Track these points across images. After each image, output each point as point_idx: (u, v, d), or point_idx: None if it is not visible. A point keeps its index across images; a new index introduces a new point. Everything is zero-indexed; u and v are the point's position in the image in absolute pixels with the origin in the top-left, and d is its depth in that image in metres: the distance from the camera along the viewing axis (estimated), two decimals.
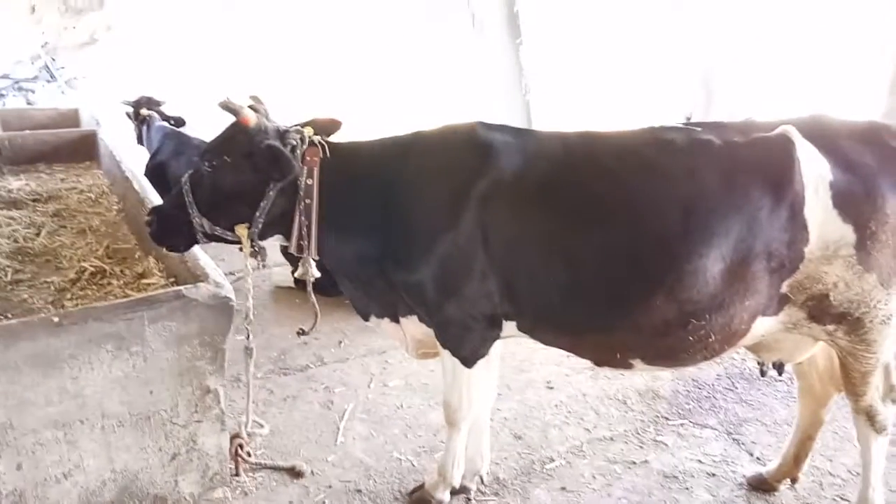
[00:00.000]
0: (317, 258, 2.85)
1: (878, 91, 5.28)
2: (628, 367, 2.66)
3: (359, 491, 3.21)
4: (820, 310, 2.55)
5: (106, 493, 2.75)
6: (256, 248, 2.87)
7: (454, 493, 3.10)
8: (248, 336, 3.02)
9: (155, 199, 4.12)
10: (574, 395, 4.03)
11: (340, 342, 4.63)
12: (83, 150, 6.27)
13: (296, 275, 2.95)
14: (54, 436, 2.58)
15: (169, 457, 2.84)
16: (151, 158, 6.14)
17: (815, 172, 2.44)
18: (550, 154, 2.66)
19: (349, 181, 2.77)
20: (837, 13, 6.61)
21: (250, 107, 2.76)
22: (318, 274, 2.92)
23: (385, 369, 4.31)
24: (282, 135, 2.74)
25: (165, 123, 6.46)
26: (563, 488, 3.25)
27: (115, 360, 2.62)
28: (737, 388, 4.15)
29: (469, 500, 3.15)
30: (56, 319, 2.50)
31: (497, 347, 2.90)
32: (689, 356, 2.58)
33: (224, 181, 2.72)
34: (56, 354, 2.50)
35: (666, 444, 3.59)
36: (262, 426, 3.32)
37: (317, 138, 2.79)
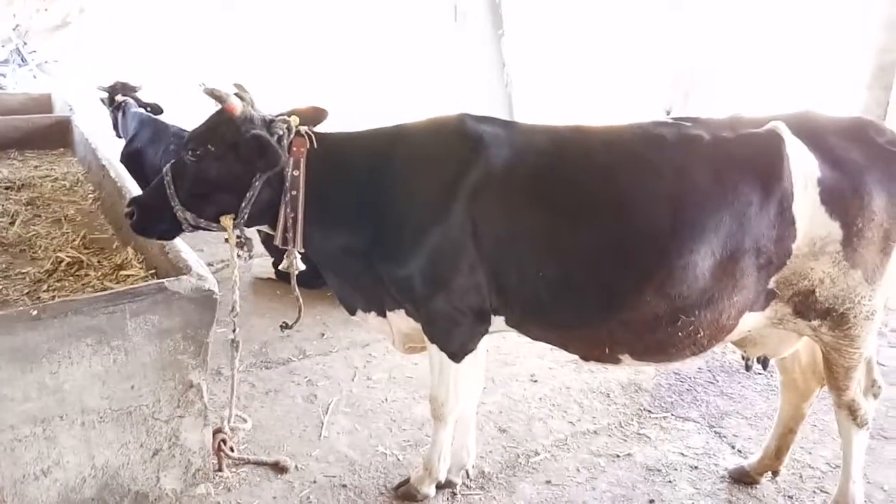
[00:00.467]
0: (302, 251, 2.81)
1: (856, 87, 5.35)
2: (616, 362, 2.66)
3: (344, 486, 3.18)
4: (806, 305, 2.58)
5: (86, 490, 2.69)
6: (242, 240, 2.82)
7: (440, 487, 3.09)
8: (235, 329, 2.96)
9: (132, 187, 4.03)
10: (558, 389, 4.03)
11: (323, 335, 4.59)
12: (57, 136, 6.14)
13: (280, 267, 2.90)
14: (33, 432, 2.51)
15: (151, 453, 2.79)
16: (127, 145, 6.02)
17: (803, 169, 2.45)
18: (540, 147, 2.65)
19: (336, 173, 2.73)
20: (816, 10, 6.68)
21: (235, 95, 2.71)
22: (303, 267, 2.88)
23: (369, 362, 4.28)
24: (268, 124, 2.69)
25: (141, 110, 6.32)
26: (548, 482, 3.25)
27: (95, 354, 2.56)
28: (718, 381, 4.19)
29: (454, 494, 3.13)
30: (34, 312, 2.43)
31: (484, 342, 2.89)
32: (678, 351, 2.59)
33: (208, 171, 2.66)
34: (34, 348, 2.43)
35: (649, 437, 3.61)
36: (244, 421, 3.28)
37: (303, 128, 2.74)
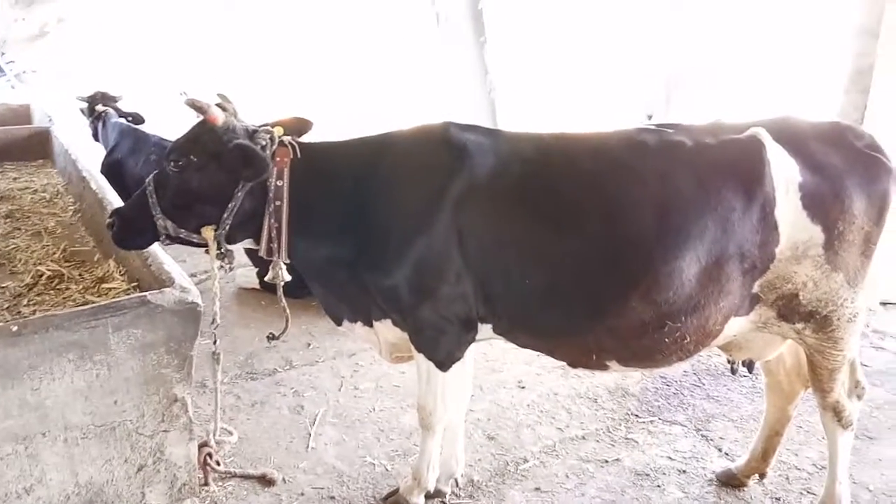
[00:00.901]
0: (287, 261, 2.79)
1: (833, 91, 5.41)
2: (604, 368, 2.67)
3: (332, 497, 3.16)
4: (789, 309, 2.60)
5: None
6: (223, 251, 2.79)
7: (429, 496, 3.08)
8: (216, 341, 2.94)
9: (114, 198, 3.98)
10: (546, 395, 4.04)
11: (309, 345, 4.56)
12: (36, 147, 6.05)
13: (266, 278, 2.88)
14: (14, 449, 2.46)
15: (135, 468, 2.75)
16: (107, 156, 5.96)
17: (785, 174, 2.48)
18: (524, 155, 2.65)
19: (320, 183, 2.72)
20: (794, 16, 6.77)
21: (218, 105, 2.69)
22: (288, 277, 2.86)
23: (356, 372, 4.26)
24: (251, 134, 2.67)
25: (122, 120, 6.26)
26: (538, 489, 3.25)
27: (77, 369, 2.52)
28: (703, 384, 4.21)
29: (444, 503, 3.12)
30: (14, 328, 2.38)
31: (471, 349, 2.88)
32: (665, 357, 2.60)
33: (190, 182, 2.64)
34: (15, 365, 2.39)
35: (637, 442, 3.62)
36: (230, 433, 3.24)
37: (287, 138, 2.73)
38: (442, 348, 2.73)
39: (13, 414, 2.43)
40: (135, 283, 3.22)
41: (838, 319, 2.61)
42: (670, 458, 3.50)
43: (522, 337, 2.77)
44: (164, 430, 2.80)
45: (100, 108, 6.36)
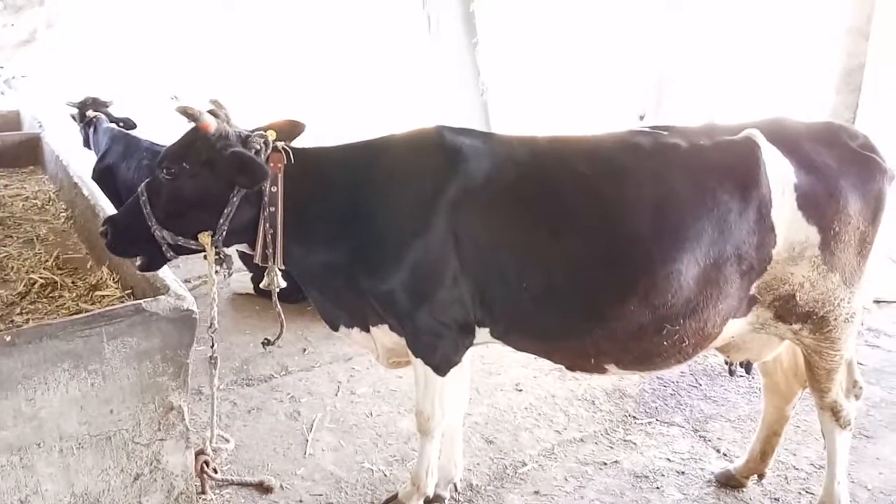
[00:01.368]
0: (282, 267, 2.77)
1: (825, 90, 5.44)
2: (602, 371, 2.66)
3: None
4: (786, 310, 2.60)
5: None
6: (221, 256, 2.77)
7: (428, 502, 3.06)
8: (213, 346, 2.92)
9: (106, 205, 3.95)
10: (543, 397, 4.03)
11: (305, 350, 4.54)
12: (26, 154, 6.00)
13: (261, 285, 2.86)
14: (9, 461, 2.44)
15: (132, 478, 2.72)
16: (99, 162, 5.91)
17: (780, 175, 2.48)
18: (520, 158, 2.64)
19: (315, 188, 2.70)
20: (785, 16, 6.81)
21: (210, 111, 2.66)
22: (283, 284, 2.84)
23: (352, 377, 4.24)
24: (244, 140, 2.65)
25: (113, 125, 6.22)
26: (537, 492, 3.24)
27: (72, 379, 2.49)
28: (700, 384, 4.22)
29: None
30: (8, 338, 2.36)
31: (469, 353, 2.87)
32: (663, 360, 2.60)
33: (184, 189, 2.62)
34: (9, 375, 2.36)
35: (635, 444, 3.62)
36: (227, 441, 3.22)
37: (280, 144, 2.71)
38: (439, 353, 2.71)
39: (7, 425, 2.40)
40: (129, 291, 3.20)
41: (835, 319, 2.62)
42: (669, 459, 3.50)
43: (520, 341, 2.76)
44: (160, 439, 2.77)
45: (90, 113, 6.31)
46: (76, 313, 3.04)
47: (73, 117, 6.55)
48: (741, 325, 2.64)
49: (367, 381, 4.19)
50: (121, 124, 6.23)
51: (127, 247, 2.76)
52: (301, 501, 3.16)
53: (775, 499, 3.19)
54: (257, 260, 2.75)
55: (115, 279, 3.36)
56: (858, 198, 2.50)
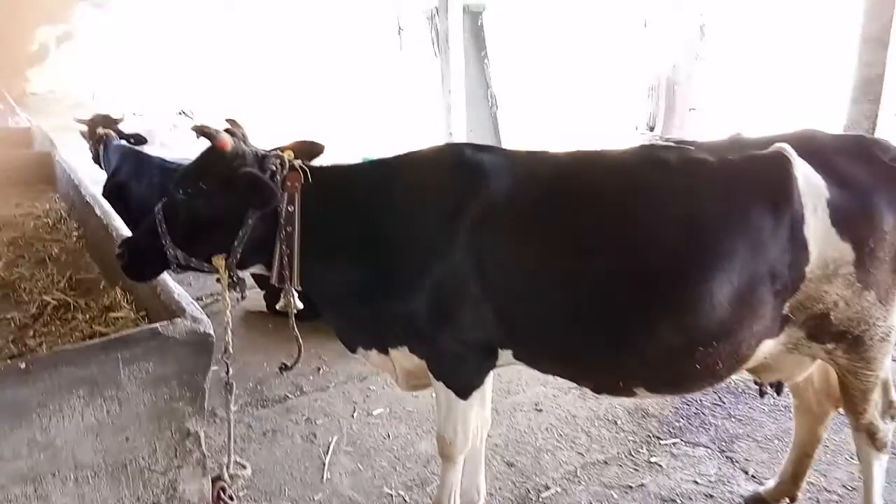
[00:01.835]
0: (299, 289, 2.71)
1: (841, 101, 5.37)
2: (631, 395, 2.58)
3: None
4: (820, 329, 2.52)
5: None
6: (235, 280, 2.72)
7: None
8: (228, 371, 2.85)
9: (119, 224, 3.91)
10: (564, 417, 3.95)
11: (319, 369, 4.47)
12: (38, 172, 5.98)
13: (278, 306, 2.80)
14: (24, 491, 2.37)
15: None
16: (110, 179, 5.90)
17: (813, 190, 2.40)
18: (542, 176, 2.58)
19: (333, 207, 2.65)
20: (800, 25, 6.76)
21: (227, 130, 2.62)
22: (301, 305, 2.78)
23: (368, 396, 4.17)
24: (261, 160, 2.60)
25: (124, 142, 6.21)
26: None
27: (87, 406, 2.43)
28: (724, 402, 4.12)
29: None
30: (23, 366, 2.30)
31: (491, 376, 2.80)
32: (695, 383, 2.52)
33: (200, 210, 2.57)
34: (24, 403, 2.30)
35: (661, 466, 3.53)
36: (244, 467, 3.13)
37: (297, 162, 2.66)
38: (462, 376, 2.64)
39: (22, 454, 2.34)
40: (143, 313, 3.14)
41: (870, 339, 2.53)
42: (696, 482, 3.41)
43: (544, 363, 2.69)
44: (176, 466, 2.70)
45: (101, 130, 6.30)
46: (90, 336, 3.00)
47: (83, 135, 6.55)
48: (774, 345, 2.55)
49: (383, 401, 4.11)
50: (131, 141, 6.22)
51: (144, 269, 2.72)
52: None
53: None
54: (273, 280, 2.69)
55: (129, 300, 3.30)
56: (893, 213, 2.42)
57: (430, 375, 2.70)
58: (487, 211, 2.49)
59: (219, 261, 2.62)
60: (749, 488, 3.31)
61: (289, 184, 2.59)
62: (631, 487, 3.35)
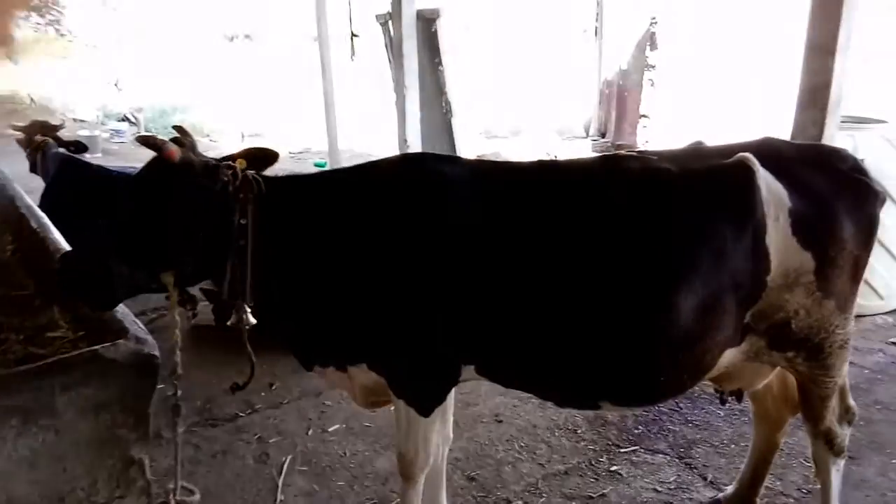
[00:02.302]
0: (251, 304, 2.58)
1: (789, 108, 5.49)
2: (596, 408, 2.54)
3: None
4: (781, 337, 2.52)
5: None
6: (185, 297, 2.58)
7: None
8: (176, 393, 2.70)
9: (57, 237, 3.69)
10: (524, 428, 3.90)
11: (272, 385, 4.31)
12: None
13: (229, 323, 2.66)
14: None
15: None
16: (47, 189, 5.60)
17: (775, 200, 2.40)
18: (504, 188, 2.52)
19: (289, 219, 2.53)
20: (749, 33, 6.92)
21: (174, 140, 2.48)
22: (253, 321, 2.66)
23: (324, 413, 4.03)
24: (211, 170, 2.46)
25: (63, 150, 5.91)
26: None
27: (20, 436, 2.25)
28: (681, 408, 4.14)
29: None
30: None
31: (453, 391, 2.72)
32: (659, 395, 2.49)
33: (147, 223, 2.41)
34: None
35: (621, 475, 3.51)
36: (192, 492, 2.98)
37: (250, 173, 2.53)
38: (424, 393, 2.56)
39: None
40: (81, 333, 2.95)
41: (830, 346, 2.55)
42: (656, 490, 3.40)
43: (508, 378, 2.62)
44: (119, 496, 2.53)
45: (38, 137, 5.99)
46: (24, 358, 2.80)
47: (19, 142, 6.22)
48: (736, 354, 2.54)
49: (339, 417, 3.99)
50: (71, 148, 5.93)
51: (85, 287, 2.53)
52: None
53: None
54: (224, 296, 2.55)
55: (67, 319, 3.10)
56: (852, 222, 2.44)
57: (391, 393, 2.61)
58: (449, 224, 2.42)
59: (167, 277, 2.47)
60: (708, 494, 3.32)
61: (241, 195, 2.46)
62: (592, 497, 3.32)
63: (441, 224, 2.39)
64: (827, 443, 2.75)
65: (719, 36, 7.20)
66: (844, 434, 2.78)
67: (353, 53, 8.19)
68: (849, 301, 2.53)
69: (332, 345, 2.62)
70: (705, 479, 3.49)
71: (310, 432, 3.84)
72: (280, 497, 3.30)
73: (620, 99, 8.88)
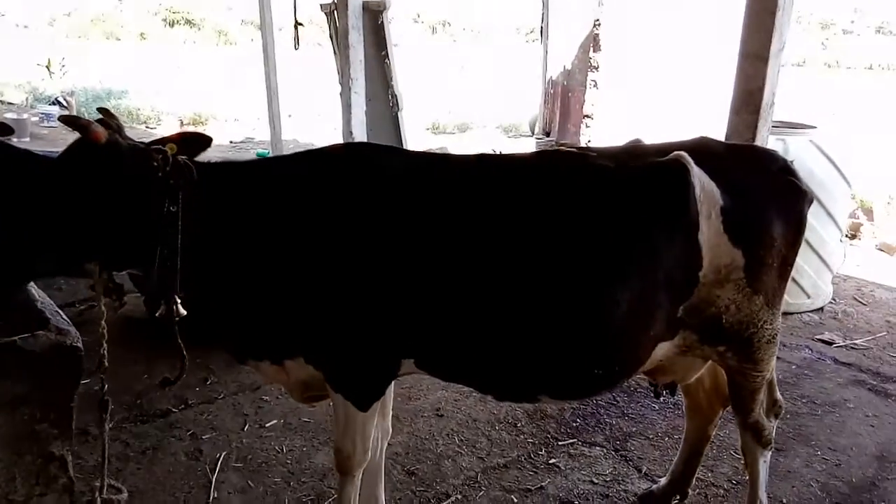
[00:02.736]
0: (181, 295, 2.49)
1: (723, 111, 5.65)
2: (534, 401, 2.56)
3: None
4: (712, 332, 2.59)
5: None
6: (112, 286, 2.46)
7: None
8: (104, 386, 2.58)
9: None
10: (465, 422, 3.90)
11: (206, 380, 4.19)
12: None
13: (157, 315, 2.55)
14: None
15: None
16: None
17: (708, 197, 2.45)
18: (443, 181, 2.50)
19: (222, 207, 2.44)
20: (688, 37, 7.09)
21: (100, 121, 2.36)
22: (184, 312, 2.56)
23: (261, 408, 3.94)
24: (139, 154, 2.36)
25: None
26: None
27: None
28: (618, 402, 4.21)
29: None
30: None
31: (392, 385, 2.69)
32: (595, 388, 2.53)
33: (68, 209, 2.29)
34: None
35: (559, 467, 3.54)
36: (119, 490, 2.87)
37: (182, 158, 2.43)
38: (362, 387, 2.52)
39: None
40: None
41: (758, 341, 2.63)
42: (593, 482, 3.45)
43: (447, 372, 2.61)
44: (39, 494, 2.42)
45: None
46: None
47: None
48: (669, 347, 2.60)
49: (276, 412, 3.90)
50: None
51: (3, 274, 2.40)
52: None
53: None
54: (152, 287, 2.45)
55: None
56: (781, 221, 2.52)
57: (328, 386, 2.56)
58: (385, 215, 2.38)
59: (92, 265, 2.36)
60: (642, 486, 3.38)
61: (171, 181, 2.36)
62: (530, 490, 3.34)
63: (379, 215, 2.36)
64: (755, 435, 2.84)
65: (661, 40, 7.36)
66: (772, 427, 2.88)
67: (296, 43, 8.00)
68: (777, 297, 2.61)
69: (267, 337, 2.56)
70: (640, 470, 3.56)
71: (246, 428, 3.75)
72: (213, 494, 3.20)
73: (565, 98, 8.99)
